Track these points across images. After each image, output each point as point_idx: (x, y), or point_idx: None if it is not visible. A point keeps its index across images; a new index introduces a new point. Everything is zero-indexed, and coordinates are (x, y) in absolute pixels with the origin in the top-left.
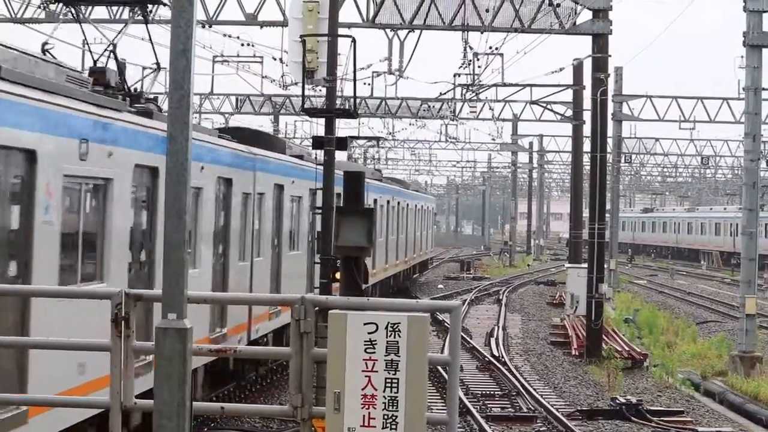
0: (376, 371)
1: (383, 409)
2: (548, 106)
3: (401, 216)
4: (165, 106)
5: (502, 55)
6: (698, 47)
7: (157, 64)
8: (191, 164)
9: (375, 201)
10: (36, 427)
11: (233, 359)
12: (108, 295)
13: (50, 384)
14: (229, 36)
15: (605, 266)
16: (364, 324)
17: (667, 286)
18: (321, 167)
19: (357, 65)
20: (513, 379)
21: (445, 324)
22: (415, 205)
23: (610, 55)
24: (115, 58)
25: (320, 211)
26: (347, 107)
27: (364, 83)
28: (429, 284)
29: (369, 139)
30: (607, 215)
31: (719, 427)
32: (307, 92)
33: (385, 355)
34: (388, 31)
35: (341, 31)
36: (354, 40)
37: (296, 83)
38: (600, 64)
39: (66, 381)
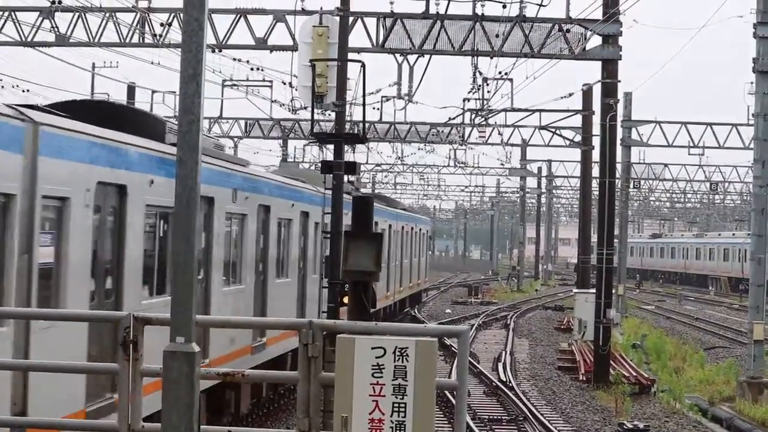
0: (384, 396)
1: None
2: (557, 132)
3: (387, 240)
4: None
5: (511, 80)
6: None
7: None
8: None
9: None
10: None
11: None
12: (116, 318)
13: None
14: (239, 60)
15: (613, 291)
16: (372, 348)
17: (675, 311)
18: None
19: (366, 90)
20: (520, 404)
21: (453, 348)
22: (402, 227)
23: (619, 81)
24: None
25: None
26: (356, 132)
27: (374, 108)
28: (437, 309)
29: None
30: (615, 240)
31: None
32: (316, 117)
33: (393, 380)
34: (397, 55)
35: (351, 55)
36: (363, 65)
37: (305, 107)
38: (609, 89)
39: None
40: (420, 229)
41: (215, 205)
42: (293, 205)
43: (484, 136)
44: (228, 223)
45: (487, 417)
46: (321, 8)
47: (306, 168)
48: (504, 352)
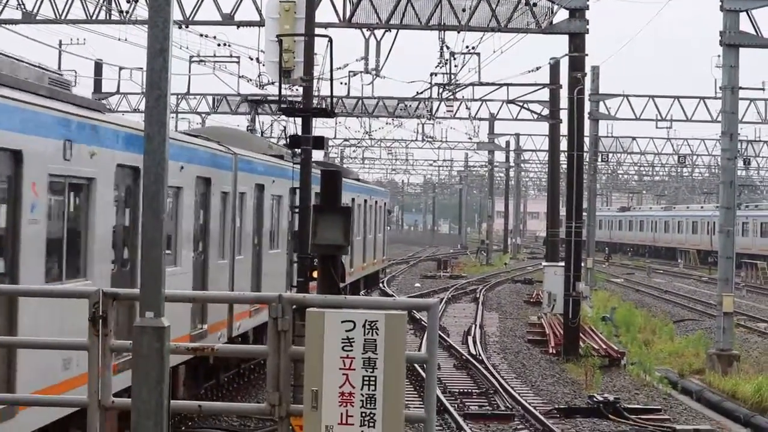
0: (354, 369)
1: (361, 407)
2: (525, 105)
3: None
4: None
5: (478, 54)
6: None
7: None
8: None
9: (294, 191)
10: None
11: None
12: (85, 294)
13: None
14: (206, 36)
15: (582, 265)
16: (342, 322)
17: (644, 284)
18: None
19: (333, 65)
20: (490, 377)
21: (423, 323)
22: (353, 200)
23: (586, 54)
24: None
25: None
26: (324, 106)
27: (341, 83)
28: (405, 283)
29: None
30: (584, 214)
31: (697, 425)
32: (283, 92)
33: (363, 353)
34: (364, 30)
35: (318, 30)
36: (330, 40)
37: (273, 83)
38: (576, 63)
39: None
40: (375, 202)
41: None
42: (183, 168)
43: (452, 111)
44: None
45: (457, 390)
46: None
47: (243, 130)
48: (474, 326)
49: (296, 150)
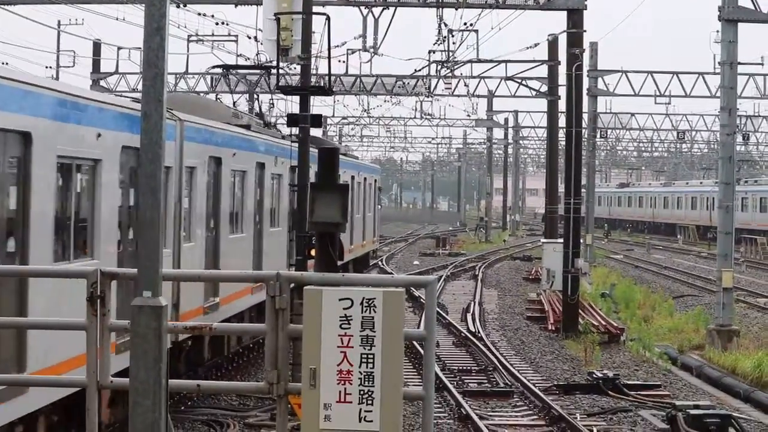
0: (352, 347)
1: (359, 385)
2: (523, 82)
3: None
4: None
5: (476, 31)
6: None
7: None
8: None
9: (263, 166)
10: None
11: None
12: (83, 274)
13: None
14: (204, 15)
15: (581, 241)
16: (340, 300)
17: (644, 260)
18: None
19: (331, 43)
20: (489, 355)
21: (421, 300)
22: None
23: (585, 31)
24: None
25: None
26: (322, 85)
27: (339, 61)
28: (404, 261)
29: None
30: (582, 190)
31: (696, 401)
32: (282, 70)
33: (361, 331)
34: (362, 8)
35: (315, 8)
36: (328, 18)
37: (271, 61)
38: (575, 39)
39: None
40: (364, 179)
41: None
42: (100, 135)
43: (450, 88)
44: None
45: (456, 368)
46: None
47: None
48: (473, 303)
49: (270, 120)
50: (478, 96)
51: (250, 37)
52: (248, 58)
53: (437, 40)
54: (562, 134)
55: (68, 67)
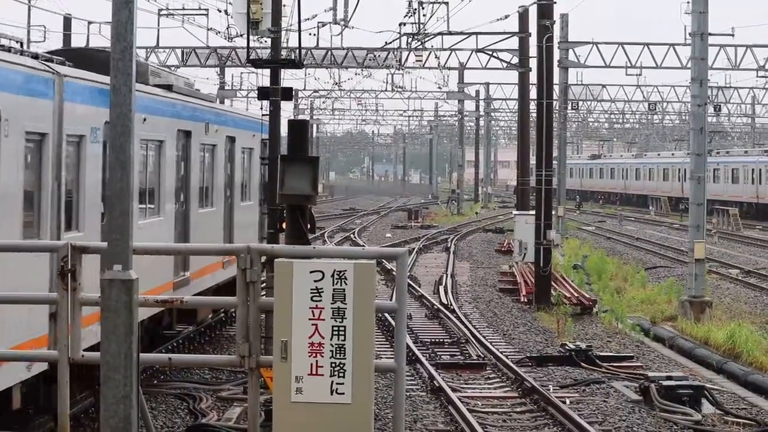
0: (323, 319)
1: (330, 357)
2: (494, 54)
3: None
4: None
5: (447, 3)
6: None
7: None
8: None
9: (188, 134)
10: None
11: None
12: (53, 248)
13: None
14: None
15: (553, 213)
16: (311, 272)
17: (616, 232)
18: None
19: (302, 16)
20: (462, 327)
21: (394, 273)
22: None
23: (555, 2)
24: None
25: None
26: (293, 58)
27: (310, 34)
28: (376, 233)
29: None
30: (554, 162)
31: (669, 372)
32: (252, 44)
33: (332, 303)
34: None
35: None
36: None
37: (241, 35)
38: (545, 11)
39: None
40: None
41: None
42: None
43: (421, 60)
44: None
45: (429, 340)
46: None
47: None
48: (445, 276)
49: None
50: (449, 68)
51: (220, 11)
52: (219, 32)
53: (408, 13)
54: (533, 106)
55: (39, 42)
